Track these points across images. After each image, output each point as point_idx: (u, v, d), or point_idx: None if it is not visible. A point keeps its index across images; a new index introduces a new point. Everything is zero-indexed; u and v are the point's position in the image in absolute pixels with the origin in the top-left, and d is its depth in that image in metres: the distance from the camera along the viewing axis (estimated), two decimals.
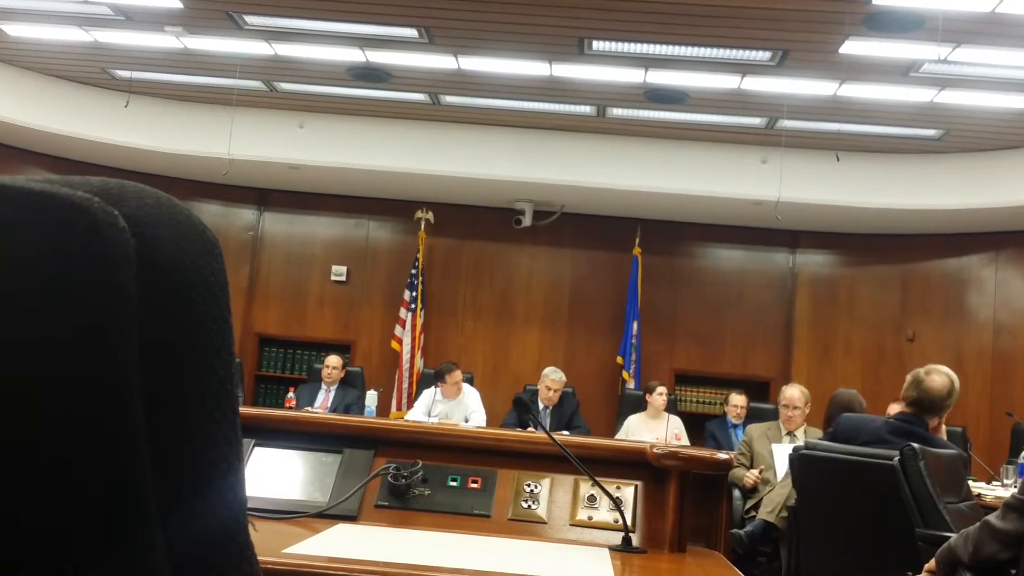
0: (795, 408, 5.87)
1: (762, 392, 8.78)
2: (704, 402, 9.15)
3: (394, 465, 2.19)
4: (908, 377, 3.97)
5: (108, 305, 0.43)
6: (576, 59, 6.60)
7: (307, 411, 6.65)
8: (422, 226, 8.99)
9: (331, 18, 6.23)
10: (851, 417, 4.35)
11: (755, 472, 5.59)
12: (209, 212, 9.28)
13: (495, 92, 7.46)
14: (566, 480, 2.21)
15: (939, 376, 3.90)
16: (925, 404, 3.86)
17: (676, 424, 7.27)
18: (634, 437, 6.85)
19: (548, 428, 2.53)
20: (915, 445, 3.44)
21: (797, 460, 4.09)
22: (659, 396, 7.28)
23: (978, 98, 6.72)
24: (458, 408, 7.14)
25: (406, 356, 8.77)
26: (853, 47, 5.96)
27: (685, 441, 7.18)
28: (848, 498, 3.84)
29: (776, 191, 7.87)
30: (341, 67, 7.15)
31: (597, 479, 2.09)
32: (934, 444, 3.89)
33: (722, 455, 2.23)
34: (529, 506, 2.18)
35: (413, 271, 9.00)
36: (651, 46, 6.26)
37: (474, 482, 2.21)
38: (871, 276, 9.19)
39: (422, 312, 8.96)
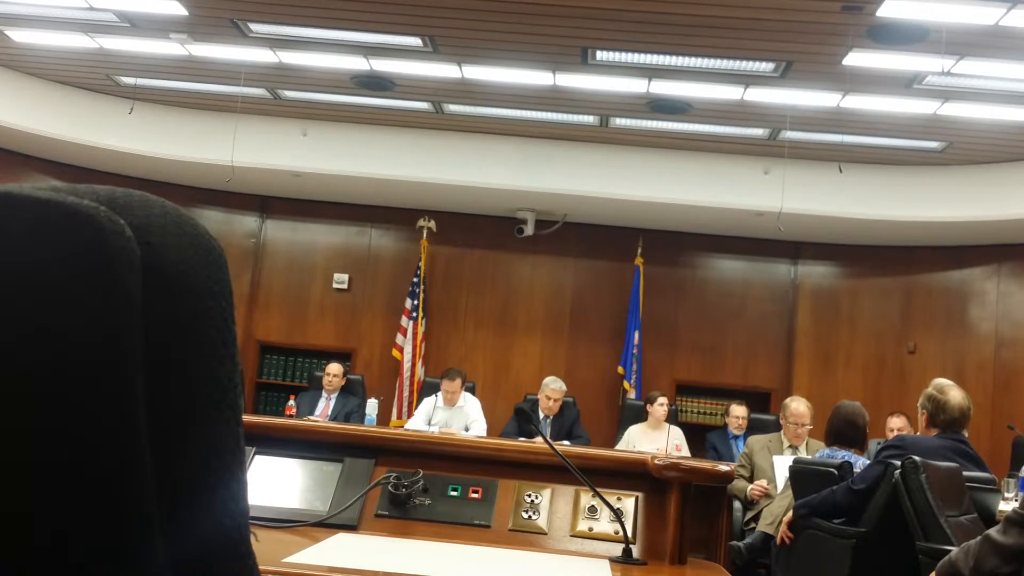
0: (804, 425, 5.87)
1: (763, 403, 8.76)
2: (705, 413, 9.13)
3: (395, 474, 2.19)
4: (927, 404, 3.96)
5: (113, 312, 0.43)
6: (579, 69, 6.61)
7: (307, 419, 6.64)
8: (424, 234, 9.00)
9: (335, 26, 6.25)
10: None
11: (762, 483, 5.56)
12: (211, 219, 9.29)
13: (498, 101, 7.48)
14: (567, 491, 2.21)
15: (952, 390, 3.95)
16: (959, 420, 3.89)
17: (677, 435, 7.26)
18: (635, 447, 6.84)
19: (548, 438, 2.52)
20: (916, 458, 3.44)
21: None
22: (660, 406, 7.27)
23: (981, 110, 6.72)
24: (458, 417, 7.13)
25: (407, 365, 8.76)
26: (856, 59, 5.96)
27: (686, 452, 7.17)
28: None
29: (778, 202, 7.87)
30: (345, 75, 7.17)
31: (598, 490, 2.08)
32: (984, 465, 3.91)
33: (723, 467, 2.22)
34: (529, 516, 2.17)
35: (415, 279, 9.00)
36: (654, 56, 6.27)
37: (475, 492, 2.21)
38: (873, 288, 9.18)
39: (423, 320, 8.96)
